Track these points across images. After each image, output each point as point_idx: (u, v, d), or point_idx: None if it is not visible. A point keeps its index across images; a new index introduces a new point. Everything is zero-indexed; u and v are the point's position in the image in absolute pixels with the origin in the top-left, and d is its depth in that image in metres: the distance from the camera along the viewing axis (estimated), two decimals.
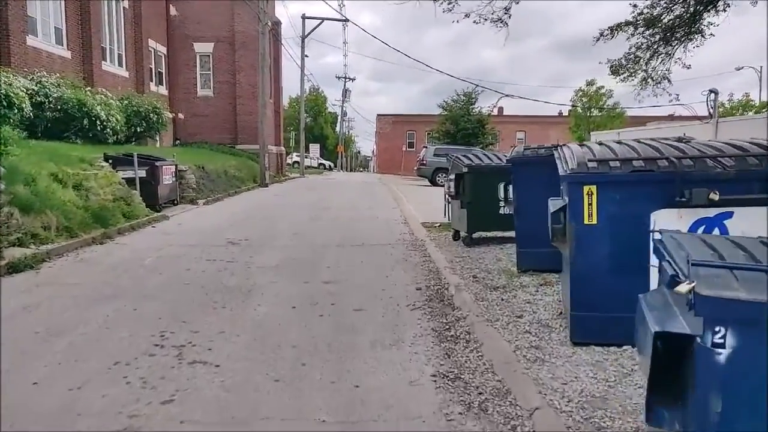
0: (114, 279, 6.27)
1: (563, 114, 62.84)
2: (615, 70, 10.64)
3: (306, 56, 39.44)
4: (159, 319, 4.87)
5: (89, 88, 15.35)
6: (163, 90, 24.77)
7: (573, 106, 34.73)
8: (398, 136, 58.93)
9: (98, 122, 13.94)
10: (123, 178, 11.26)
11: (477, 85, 32.73)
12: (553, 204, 4.17)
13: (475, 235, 8.16)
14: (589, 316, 3.83)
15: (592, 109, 35.51)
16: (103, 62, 18.58)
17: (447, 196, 8.99)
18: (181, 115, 25.91)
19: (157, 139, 22.88)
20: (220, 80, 26.35)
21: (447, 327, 4.66)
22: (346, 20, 37.27)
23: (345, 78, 65.41)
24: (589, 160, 3.81)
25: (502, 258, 7.08)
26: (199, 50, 26.05)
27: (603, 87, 34.89)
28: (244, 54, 25.89)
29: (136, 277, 6.41)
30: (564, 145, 4.75)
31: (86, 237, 8.07)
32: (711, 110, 17.74)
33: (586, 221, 3.77)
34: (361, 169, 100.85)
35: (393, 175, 51.63)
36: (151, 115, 17.48)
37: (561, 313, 4.68)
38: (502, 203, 7.75)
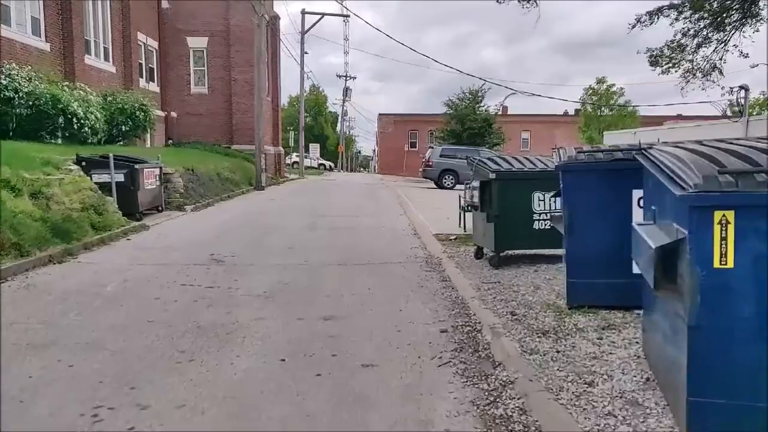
0: (59, 315, 4.99)
1: (569, 113, 61.74)
2: (655, 60, 9.36)
3: (306, 53, 38.22)
4: (99, 382, 3.60)
5: (68, 83, 14.08)
6: (154, 87, 23.51)
7: (583, 103, 33.35)
8: (400, 136, 57.65)
9: (75, 120, 12.67)
10: (97, 183, 10.01)
11: (486, 81, 31.47)
12: (652, 234, 2.90)
13: (502, 253, 6.89)
14: (719, 407, 2.56)
15: (603, 108, 34.15)
16: (86, 56, 17.31)
17: (467, 205, 7.72)
18: (173, 114, 24.66)
19: (148, 139, 21.68)
20: (215, 77, 25.08)
21: (491, 399, 3.39)
22: (348, 16, 36.04)
23: (346, 77, 64.21)
24: (720, 172, 2.54)
25: (540, 285, 5.80)
26: (193, 45, 24.78)
27: (614, 85, 33.55)
28: (240, 49, 24.62)
29: (88, 311, 5.13)
30: (652, 147, 3.49)
31: (42, 255, 6.81)
32: (741, 108, 16.48)
33: (716, 264, 2.50)
34: (362, 169, 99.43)
35: (395, 176, 50.42)
36: (138, 113, 16.23)
37: (648, 380, 3.41)
38: (536, 216, 6.48)
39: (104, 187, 10.03)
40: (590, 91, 34.37)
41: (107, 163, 10.29)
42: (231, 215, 12.40)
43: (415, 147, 58.13)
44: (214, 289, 5.97)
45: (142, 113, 16.42)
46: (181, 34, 24.50)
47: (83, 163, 10.29)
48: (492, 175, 6.40)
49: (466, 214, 9.82)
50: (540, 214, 6.50)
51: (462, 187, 21.77)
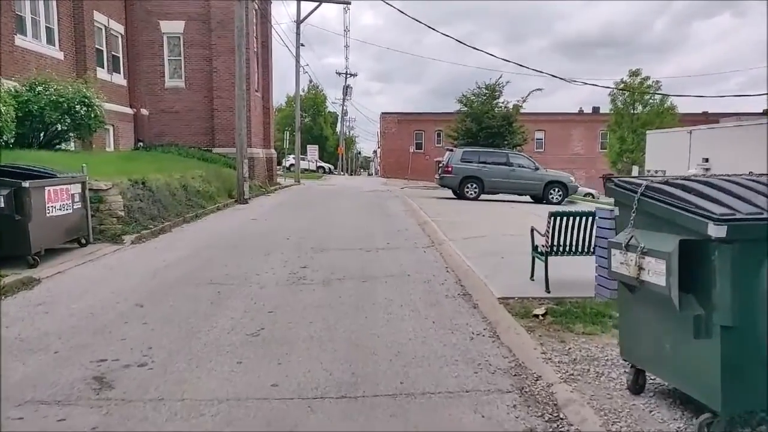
0: None
1: (584, 111, 58.12)
2: None
3: (302, 45, 34.56)
4: None
5: None
6: (119, 79, 19.77)
7: (619, 89, 29.27)
8: (405, 136, 53.92)
9: None
10: None
11: (521, 65, 27.71)
12: None
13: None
14: None
15: (637, 104, 30.33)
16: (18, 36, 13.58)
17: (622, 277, 3.93)
18: (144, 111, 20.91)
19: (110, 141, 18.04)
20: (193, 68, 21.32)
21: None
22: (348, 2, 32.34)
23: (346, 74, 60.63)
24: None
25: None
26: (167, 30, 21.01)
27: (648, 78, 29.73)
28: (223, 35, 20.87)
29: None
30: None
31: None
32: None
33: None
34: (363, 171, 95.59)
35: (400, 179, 46.76)
36: (77, 107, 12.47)
37: None
38: None
39: None
40: (621, 85, 30.48)
41: None
42: (184, 252, 8.61)
43: (421, 148, 54.41)
44: None
45: (85, 108, 12.66)
46: (153, 17, 20.74)
47: None
48: (718, 230, 2.61)
49: (544, 258, 6.09)
50: None
51: (489, 197, 17.92)
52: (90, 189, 8.94)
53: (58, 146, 13.27)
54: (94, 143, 16.44)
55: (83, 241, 8.56)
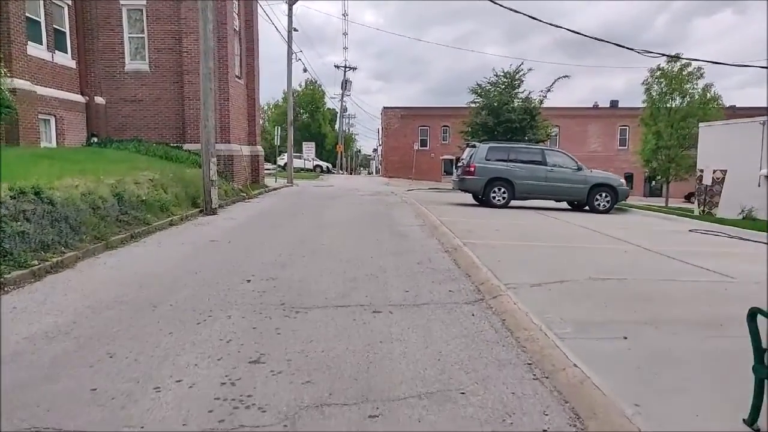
0: None
1: (598, 106, 54.48)
2: None
3: (295, 30, 31.04)
4: None
5: None
6: (64, 59, 16.16)
7: (669, 59, 25.24)
8: (409, 132, 50.24)
9: None
10: None
11: (583, 35, 24.06)
12: None
13: None
14: None
15: (674, 96, 26.66)
16: None
17: None
18: (99, 99, 17.31)
19: (50, 136, 14.45)
20: (159, 47, 17.69)
21: None
22: None
23: (345, 67, 57.06)
24: None
25: None
26: (126, 1, 17.39)
27: (689, 65, 26.03)
28: (194, 7, 17.15)
29: None
30: None
31: None
32: None
33: None
34: (363, 170, 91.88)
35: (403, 179, 43.21)
36: None
37: None
38: None
39: None
40: (658, 73, 26.81)
41: None
42: (56, 318, 4.96)
43: (426, 145, 50.79)
44: None
45: None
46: None
47: None
48: None
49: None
50: None
51: (518, 204, 13.99)
52: None
53: None
54: (21, 137, 12.90)
55: None
